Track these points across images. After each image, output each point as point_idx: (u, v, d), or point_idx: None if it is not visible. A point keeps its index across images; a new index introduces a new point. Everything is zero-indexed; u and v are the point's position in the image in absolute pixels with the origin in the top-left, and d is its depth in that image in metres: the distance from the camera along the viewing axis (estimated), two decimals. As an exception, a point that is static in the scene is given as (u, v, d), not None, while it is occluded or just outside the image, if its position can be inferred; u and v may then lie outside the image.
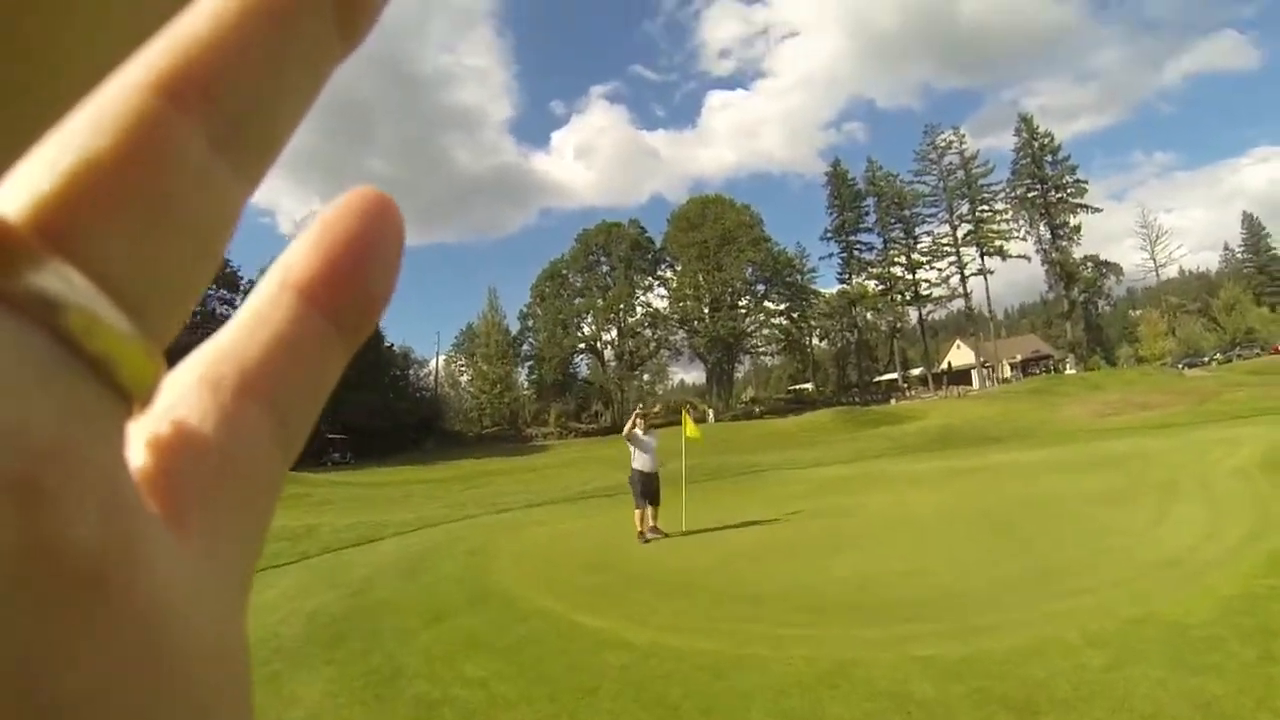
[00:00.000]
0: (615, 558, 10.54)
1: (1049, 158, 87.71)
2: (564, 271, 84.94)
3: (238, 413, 0.20)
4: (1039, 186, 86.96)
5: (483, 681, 5.72)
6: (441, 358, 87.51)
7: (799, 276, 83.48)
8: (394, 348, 74.47)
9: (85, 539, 0.15)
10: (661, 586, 8.58)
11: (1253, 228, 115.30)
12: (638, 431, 12.91)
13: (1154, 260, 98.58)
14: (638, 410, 13.44)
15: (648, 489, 12.61)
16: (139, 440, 0.19)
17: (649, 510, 12.55)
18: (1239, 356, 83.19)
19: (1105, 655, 5.10)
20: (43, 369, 0.16)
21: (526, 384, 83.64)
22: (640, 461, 12.78)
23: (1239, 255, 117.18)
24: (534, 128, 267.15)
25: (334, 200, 0.22)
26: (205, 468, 0.20)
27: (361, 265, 0.22)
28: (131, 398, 0.18)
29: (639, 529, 12.29)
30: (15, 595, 0.14)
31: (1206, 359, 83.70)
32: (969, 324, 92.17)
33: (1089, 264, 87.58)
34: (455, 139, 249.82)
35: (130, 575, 0.16)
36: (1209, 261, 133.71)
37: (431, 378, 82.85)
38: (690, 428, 14.13)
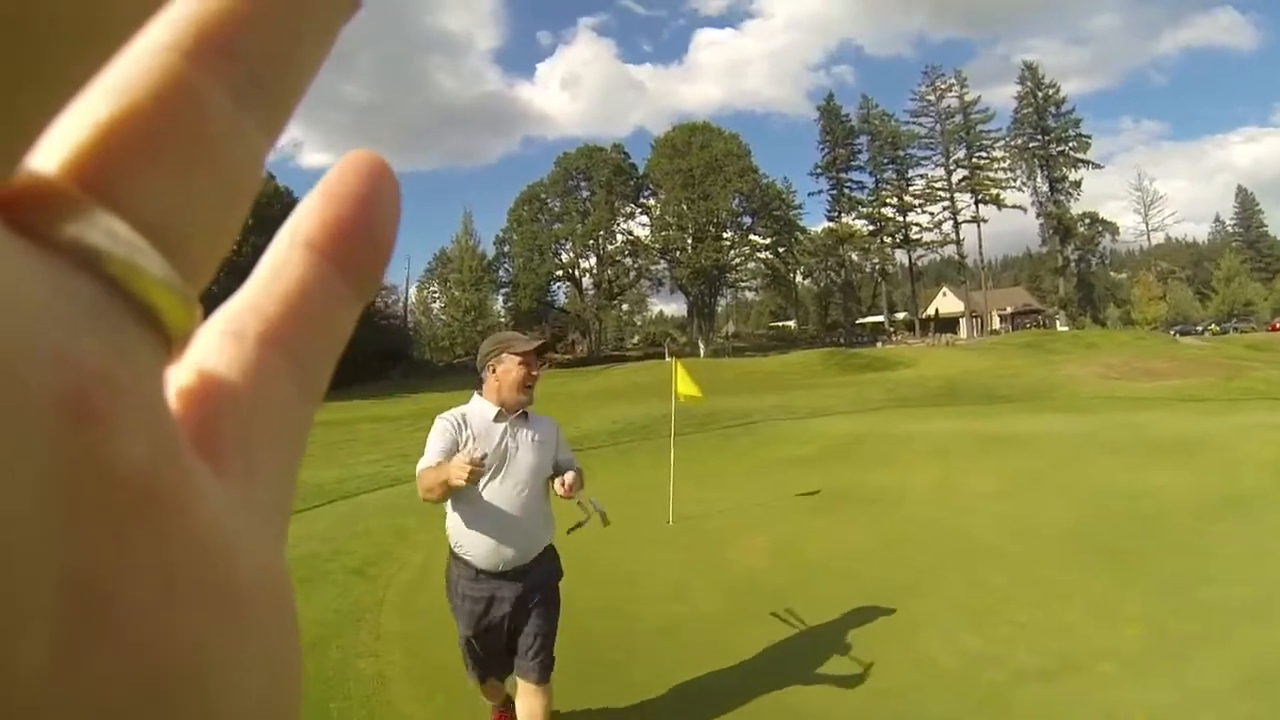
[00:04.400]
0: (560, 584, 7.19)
1: (1053, 109, 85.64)
2: (542, 195, 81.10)
3: (262, 361, 0.21)
4: (1040, 138, 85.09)
5: None
6: (413, 286, 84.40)
7: (787, 210, 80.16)
8: (360, 273, 70.94)
9: (135, 456, 0.16)
10: (628, 679, 5.29)
11: (1246, 202, 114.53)
12: (456, 444, 3.99)
13: (1146, 224, 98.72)
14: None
15: (494, 631, 4.21)
16: (173, 390, 0.20)
17: (510, 693, 4.55)
18: (1235, 329, 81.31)
19: None
20: (90, 307, 0.16)
21: (502, 311, 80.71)
22: (465, 528, 4.10)
23: (1229, 228, 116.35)
24: (520, 57, 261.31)
25: (335, 164, 0.23)
26: (237, 414, 0.20)
27: (364, 219, 0.23)
28: (171, 340, 0.18)
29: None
30: (74, 506, 0.15)
31: (1200, 328, 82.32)
32: (956, 272, 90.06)
33: (1087, 220, 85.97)
34: (438, 65, 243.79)
35: (182, 500, 0.17)
36: (1191, 232, 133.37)
37: (401, 305, 79.27)
38: (686, 383, 10.07)
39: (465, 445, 3.89)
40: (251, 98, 0.20)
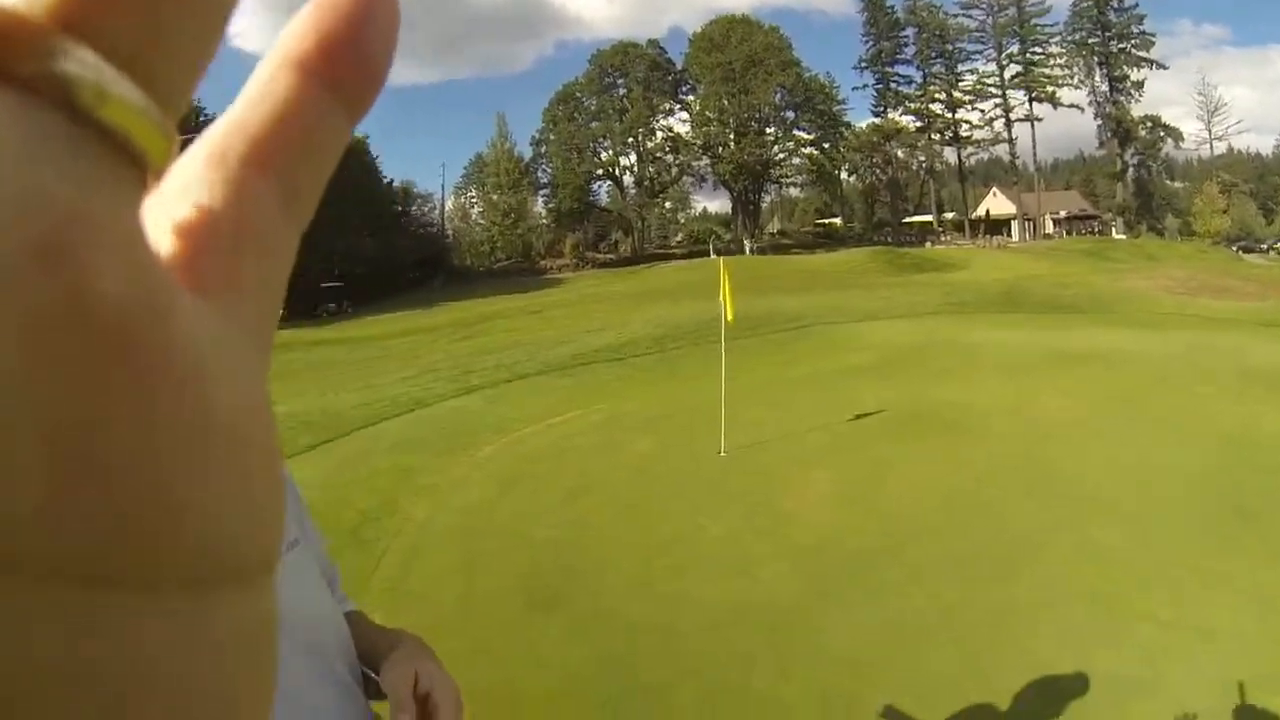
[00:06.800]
0: (590, 547, 6.01)
1: (1114, 3, 78.72)
2: (578, 95, 78.77)
3: (246, 182, 0.21)
4: (1100, 34, 78.60)
5: None
6: (451, 192, 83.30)
7: (831, 105, 77.19)
8: (393, 183, 69.80)
9: (113, 295, 0.16)
10: (672, 706, 4.09)
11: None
12: None
13: (1209, 132, 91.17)
14: None
15: None
16: (154, 217, 0.20)
17: None
18: (1304, 249, 74.13)
19: None
20: (60, 143, 0.16)
21: (544, 213, 79.65)
22: None
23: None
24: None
25: None
26: (219, 235, 0.20)
27: (358, 36, 0.22)
28: (146, 166, 0.18)
29: None
30: (51, 350, 0.15)
31: (1265, 246, 73.38)
32: (1006, 173, 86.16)
33: (1148, 123, 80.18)
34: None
35: (160, 329, 0.17)
36: (1254, 144, 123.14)
37: (438, 213, 78.42)
38: (728, 296, 8.96)
39: None
40: None
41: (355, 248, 57.02)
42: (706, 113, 75.47)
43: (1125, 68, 78.85)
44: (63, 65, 0.16)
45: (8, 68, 0.16)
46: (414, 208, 73.80)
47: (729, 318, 9.00)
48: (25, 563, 0.15)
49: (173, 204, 0.20)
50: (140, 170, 0.18)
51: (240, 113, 0.21)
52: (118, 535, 0.16)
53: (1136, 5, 79.44)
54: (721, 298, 9.00)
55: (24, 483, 0.15)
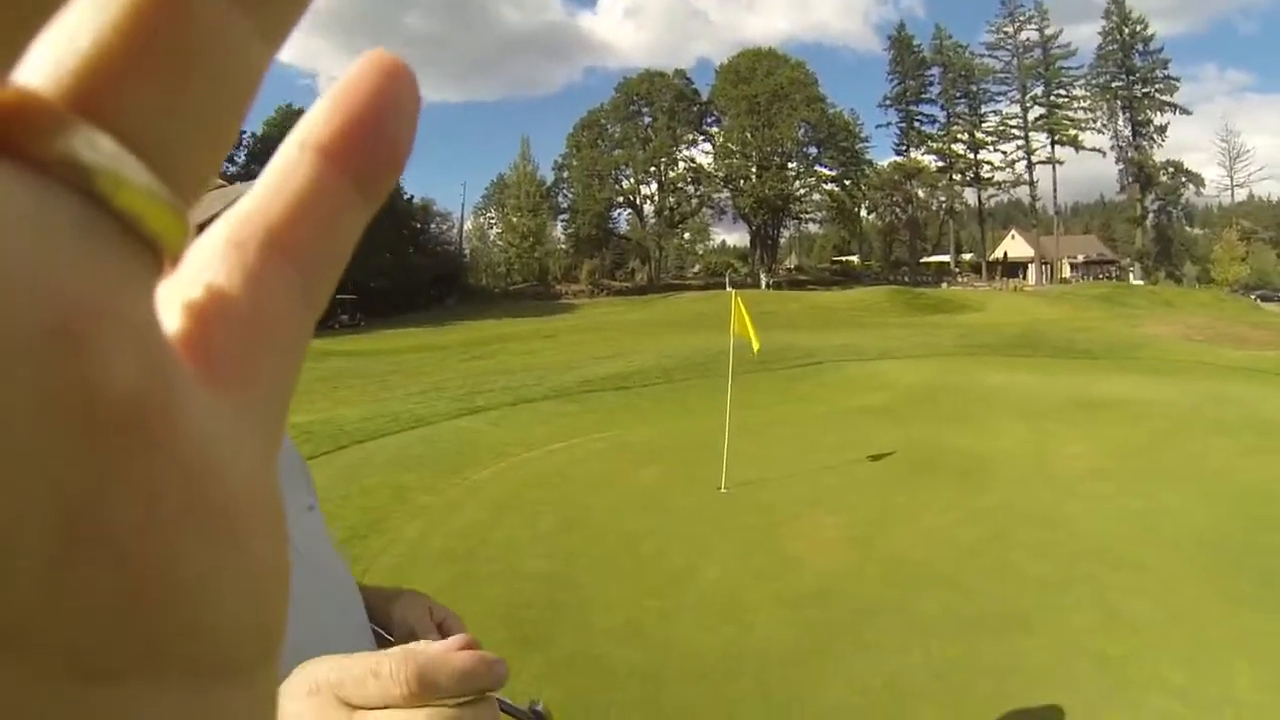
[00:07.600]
0: (579, 582, 5.83)
1: (1139, 47, 78.36)
2: (603, 121, 79.08)
3: (263, 269, 0.21)
4: (1124, 77, 78.02)
5: None
6: (470, 212, 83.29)
7: (854, 142, 77.53)
8: (413, 200, 69.90)
9: (123, 385, 0.16)
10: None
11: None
12: None
13: (1231, 179, 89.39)
14: None
15: None
16: (170, 301, 0.20)
17: None
18: (1322, 298, 71.93)
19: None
20: (75, 229, 0.16)
21: (562, 238, 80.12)
22: None
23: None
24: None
25: (350, 66, 0.22)
26: (234, 324, 0.20)
27: (379, 124, 0.22)
28: (161, 253, 0.18)
29: None
30: (57, 436, 0.15)
31: None
32: (1025, 215, 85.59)
33: (1170, 169, 79.35)
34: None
35: (167, 417, 0.17)
36: (1274, 191, 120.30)
37: (456, 232, 78.61)
38: (750, 326, 8.56)
39: None
40: (250, 1, 0.19)
41: (371, 261, 56.96)
42: (729, 145, 75.95)
43: (1148, 112, 78.34)
44: (79, 150, 0.16)
45: (24, 149, 0.16)
46: (433, 225, 73.83)
47: (755, 348, 8.71)
48: (26, 650, 0.15)
49: (189, 289, 0.20)
50: (155, 256, 0.18)
51: (260, 197, 0.22)
52: (118, 618, 0.16)
53: (1162, 49, 79.29)
54: (733, 330, 8.79)
55: (28, 558, 0.15)
